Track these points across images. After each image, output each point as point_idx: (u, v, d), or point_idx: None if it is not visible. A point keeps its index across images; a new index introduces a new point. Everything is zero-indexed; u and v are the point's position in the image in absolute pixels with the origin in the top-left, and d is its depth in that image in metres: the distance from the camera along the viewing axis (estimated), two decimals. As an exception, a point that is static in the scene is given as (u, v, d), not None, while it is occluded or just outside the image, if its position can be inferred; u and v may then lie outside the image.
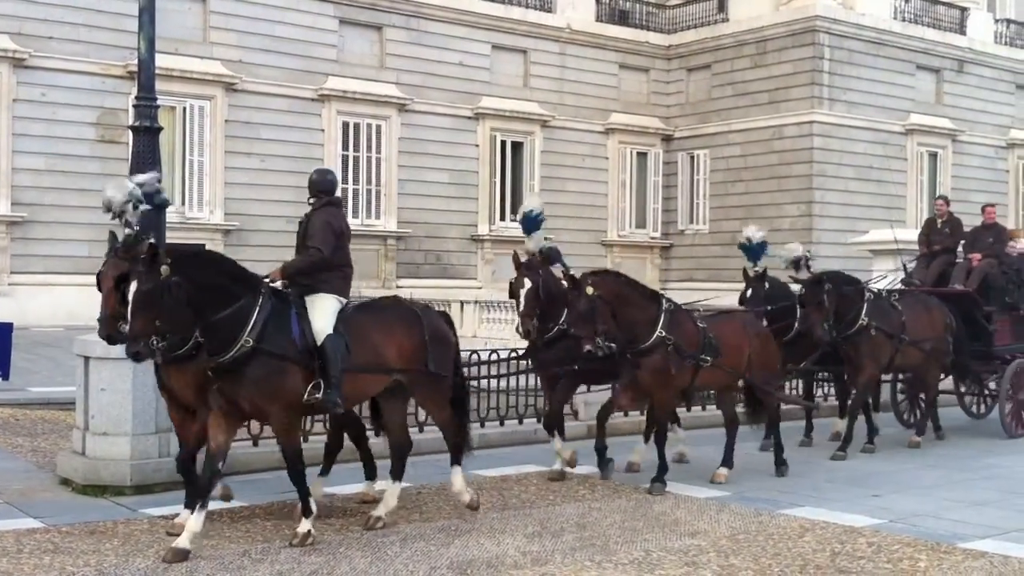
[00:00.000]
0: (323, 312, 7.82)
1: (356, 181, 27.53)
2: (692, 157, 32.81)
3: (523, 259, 10.12)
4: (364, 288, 25.71)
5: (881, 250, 18.37)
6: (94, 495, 9.15)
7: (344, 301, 8.07)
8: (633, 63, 33.02)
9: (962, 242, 14.45)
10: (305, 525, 7.59)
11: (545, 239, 10.47)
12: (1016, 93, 34.76)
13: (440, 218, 28.71)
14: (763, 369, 10.52)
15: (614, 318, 9.20)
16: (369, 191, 27.75)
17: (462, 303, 23.00)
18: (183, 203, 24.63)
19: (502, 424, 12.03)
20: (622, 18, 33.27)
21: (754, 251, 12.12)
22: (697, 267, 31.56)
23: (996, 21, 34.89)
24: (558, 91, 31.31)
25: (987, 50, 33.59)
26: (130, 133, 9.87)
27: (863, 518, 8.77)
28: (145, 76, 9.69)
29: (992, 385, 14.28)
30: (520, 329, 10.03)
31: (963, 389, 14.88)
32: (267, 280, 7.78)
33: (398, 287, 26.47)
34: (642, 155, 33.16)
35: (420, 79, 28.50)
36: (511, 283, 10.13)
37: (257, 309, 7.43)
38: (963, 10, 33.57)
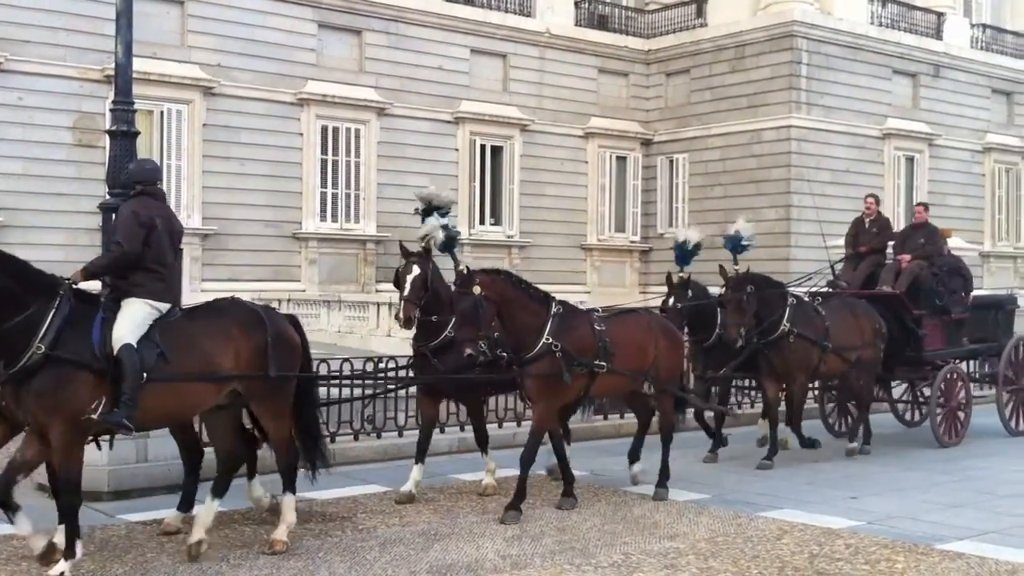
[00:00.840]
0: (127, 319, 6.93)
1: (335, 185, 27.48)
2: (671, 161, 32.90)
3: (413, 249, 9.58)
4: (344, 293, 25.66)
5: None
6: (71, 501, 9.08)
7: (162, 307, 7.19)
8: (612, 67, 33.08)
9: (891, 243, 13.94)
10: (61, 567, 6.66)
11: (443, 226, 9.80)
12: (992, 97, 35.01)
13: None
14: (670, 372, 9.92)
15: (502, 323, 8.69)
16: (348, 195, 27.71)
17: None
18: (161, 207, 24.52)
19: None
20: (601, 23, 33.33)
21: (689, 254, 11.81)
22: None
23: (972, 26, 35.13)
24: (537, 95, 31.34)
25: (963, 54, 33.82)
26: (107, 137, 9.83)
27: (841, 520, 8.82)
28: (122, 80, 9.65)
29: (927, 392, 13.69)
30: (400, 316, 9.25)
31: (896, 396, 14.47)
32: (69, 282, 6.96)
33: (377, 291, 26.43)
34: (621, 159, 33.23)
35: (399, 83, 28.48)
36: (397, 270, 9.54)
37: (52, 312, 6.66)
38: (939, 15, 33.80)
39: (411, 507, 9.12)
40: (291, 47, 26.77)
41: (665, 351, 9.75)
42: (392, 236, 27.96)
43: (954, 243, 21.61)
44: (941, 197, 32.64)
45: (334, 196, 27.42)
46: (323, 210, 27.27)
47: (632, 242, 33.49)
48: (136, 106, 9.92)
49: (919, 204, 14.81)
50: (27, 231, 22.90)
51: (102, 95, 23.01)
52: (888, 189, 31.36)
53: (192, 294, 24.40)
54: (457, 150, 29.65)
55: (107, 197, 9.60)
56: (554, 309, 9.00)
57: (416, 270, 9.31)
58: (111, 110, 9.81)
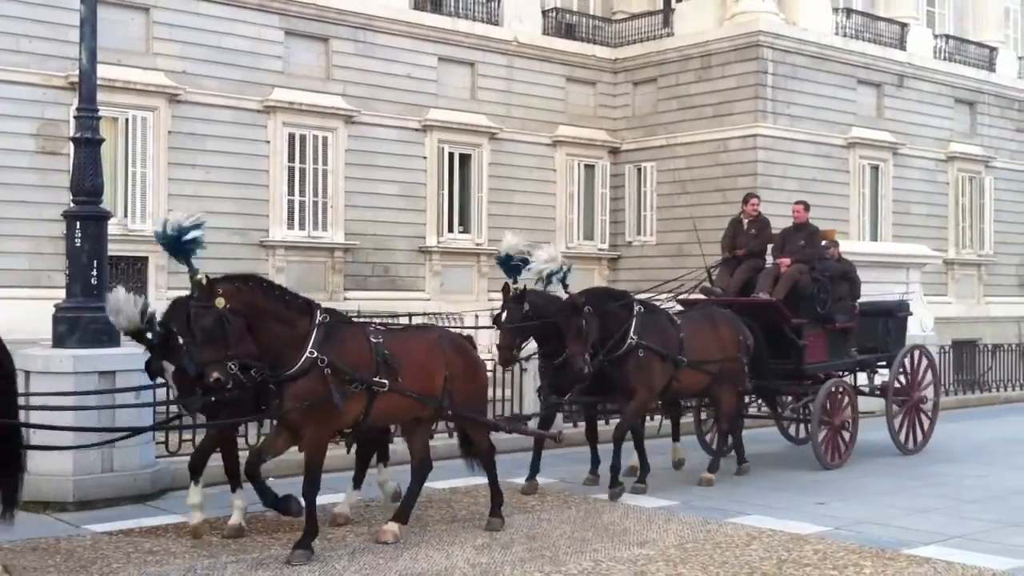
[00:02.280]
0: None
1: (303, 193, 27.33)
2: (639, 169, 32.99)
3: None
4: (311, 301, 25.50)
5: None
6: (36, 511, 9.01)
7: None
8: (580, 76, 33.14)
9: (771, 246, 12.88)
10: None
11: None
12: (955, 107, 35.36)
13: (388, 230, 28.57)
14: (468, 396, 8.74)
15: (254, 336, 7.47)
16: (316, 203, 27.56)
17: (410, 316, 22.84)
18: (125, 215, 24.27)
19: (451, 436, 11.98)
20: (569, 31, 33.39)
21: (513, 268, 10.14)
22: (644, 278, 31.50)
23: (935, 36, 35.48)
24: (505, 103, 31.33)
25: (926, 65, 34.14)
26: (71, 145, 9.75)
27: (809, 526, 8.87)
28: (87, 87, 9.59)
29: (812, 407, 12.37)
30: (187, 411, 8.37)
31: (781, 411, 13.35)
32: None
33: (346, 299, 26.33)
34: (589, 167, 33.28)
35: (367, 91, 28.36)
36: (147, 364, 8.18)
37: None
38: (903, 25, 34.11)
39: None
40: (258, 54, 26.63)
41: (460, 371, 8.63)
42: (360, 244, 27.94)
43: (920, 250, 21.74)
44: (905, 205, 32.97)
45: (301, 204, 27.28)
46: (290, 218, 27.11)
47: (601, 250, 33.54)
48: (101, 113, 9.87)
49: (798, 202, 13.40)
50: (-10, 239, 22.65)
51: (66, 102, 22.77)
52: (853, 198, 31.61)
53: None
54: (425, 158, 29.60)
55: (71, 205, 9.52)
56: (319, 318, 7.85)
57: (168, 365, 7.98)
58: (75, 117, 9.75)
